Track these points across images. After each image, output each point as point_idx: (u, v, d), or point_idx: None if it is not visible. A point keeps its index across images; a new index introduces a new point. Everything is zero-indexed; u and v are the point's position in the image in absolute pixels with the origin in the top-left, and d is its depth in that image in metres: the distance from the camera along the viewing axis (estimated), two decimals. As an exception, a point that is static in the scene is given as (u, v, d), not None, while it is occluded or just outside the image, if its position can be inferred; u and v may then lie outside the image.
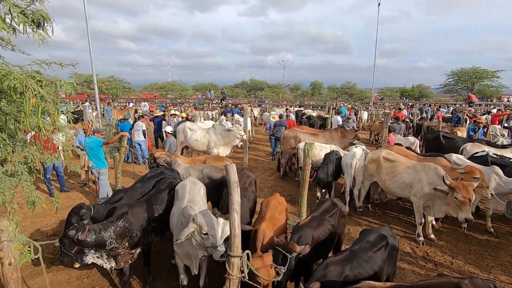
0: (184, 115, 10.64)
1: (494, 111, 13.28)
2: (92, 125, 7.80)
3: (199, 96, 37.06)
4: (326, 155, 6.24)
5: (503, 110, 15.65)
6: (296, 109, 17.74)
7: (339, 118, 11.61)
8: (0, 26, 2.15)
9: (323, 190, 6.18)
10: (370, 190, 6.10)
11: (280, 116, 11.01)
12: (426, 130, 10.98)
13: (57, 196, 3.00)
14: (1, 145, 2.37)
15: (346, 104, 21.42)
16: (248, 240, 3.28)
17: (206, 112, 16.71)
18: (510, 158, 5.75)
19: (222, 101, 23.12)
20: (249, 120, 12.70)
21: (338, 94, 40.90)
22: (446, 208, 4.46)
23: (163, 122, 10.37)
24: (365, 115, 17.92)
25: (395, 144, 7.15)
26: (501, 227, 5.33)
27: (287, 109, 14.77)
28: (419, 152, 7.84)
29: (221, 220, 2.84)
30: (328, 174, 5.80)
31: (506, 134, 9.76)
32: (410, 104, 25.99)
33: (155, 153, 5.31)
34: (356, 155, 5.86)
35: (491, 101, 27.64)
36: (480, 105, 21.31)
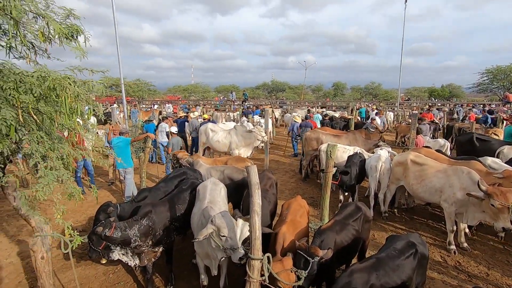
0: (206, 116, 10.79)
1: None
2: (116, 127, 8.11)
3: (221, 97, 37.53)
4: (349, 157, 6.07)
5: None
6: (318, 110, 17.47)
7: (378, 119, 11.33)
8: (41, 39, 2.31)
9: (346, 194, 6.00)
10: (396, 194, 5.85)
11: (306, 117, 10.90)
12: (458, 132, 10.40)
13: (94, 186, 3.14)
14: (39, 142, 2.52)
15: (371, 105, 20.79)
16: (268, 242, 3.24)
17: (227, 113, 16.87)
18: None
19: (244, 103, 23.26)
20: (270, 121, 12.67)
21: (362, 94, 39.83)
22: (481, 215, 4.17)
23: (186, 123, 10.58)
24: (390, 116, 17.28)
25: (424, 146, 6.81)
26: (544, 237, 4.91)
27: (309, 110, 14.57)
28: (449, 155, 7.43)
29: (240, 221, 2.82)
30: (352, 177, 5.61)
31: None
32: (439, 104, 24.75)
33: (177, 154, 5.41)
34: (382, 157, 5.64)
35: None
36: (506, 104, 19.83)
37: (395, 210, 5.91)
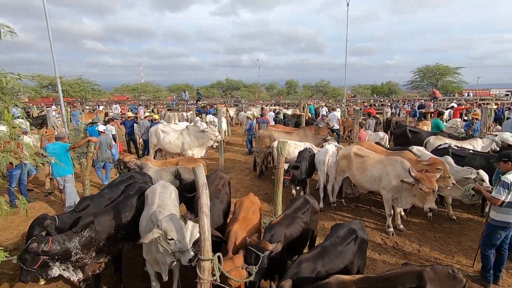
0: (157, 117, 10.35)
1: (455, 105, 14.15)
2: (49, 131, 7.35)
3: (174, 97, 36.27)
4: (300, 152, 6.34)
5: (464, 104, 16.71)
6: (272, 108, 17.89)
7: (336, 113, 11.94)
8: None
9: (298, 188, 6.27)
10: (343, 185, 6.27)
11: (261, 115, 11.10)
12: (395, 125, 11.50)
13: (22, 198, 2.68)
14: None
15: (320, 102, 21.89)
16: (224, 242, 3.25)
17: (181, 113, 16.39)
18: (469, 149, 6.16)
19: (198, 102, 22.80)
20: (224, 120, 12.62)
21: (313, 92, 41.71)
22: (413, 199, 4.68)
23: (135, 125, 10.03)
24: (338, 112, 18.41)
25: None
26: (462, 214, 5.69)
27: (262, 108, 14.83)
28: (388, 146, 8.20)
29: (190, 223, 2.78)
30: (303, 171, 5.88)
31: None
32: (381, 100, 27.07)
33: (124, 158, 5.12)
34: (329, 151, 6.00)
35: (453, 96, 29.45)
36: (443, 99, 22.60)
37: (343, 200, 6.34)
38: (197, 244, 2.66)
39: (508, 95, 30.07)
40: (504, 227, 3.40)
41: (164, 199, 3.32)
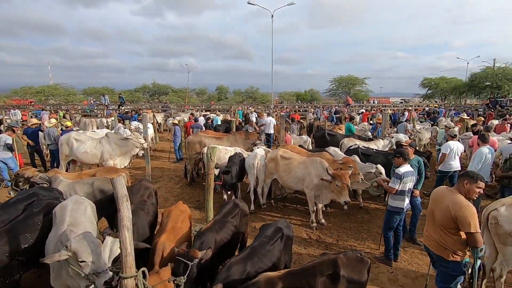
0: (69, 123, 9.12)
1: (364, 111, 16.37)
2: None
3: (92, 101, 32.55)
4: (230, 157, 6.42)
5: (370, 110, 19.43)
6: (202, 113, 17.66)
7: (272, 119, 12.25)
8: None
9: (229, 192, 6.33)
10: (272, 186, 6.59)
11: (195, 120, 10.83)
12: (316, 129, 12.66)
13: None
14: None
15: (250, 108, 22.58)
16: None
17: (100, 119, 14.81)
18: (374, 149, 7.19)
19: (120, 107, 20.95)
20: (151, 126, 11.92)
21: (243, 98, 42.77)
22: (331, 194, 5.21)
23: (40, 133, 8.66)
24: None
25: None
26: (371, 205, 6.58)
27: (192, 114, 14.52)
28: (311, 148, 8.96)
29: (109, 239, 2.54)
30: (233, 176, 5.97)
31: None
32: (305, 106, 29.40)
33: (24, 172, 4.36)
34: (258, 155, 6.23)
35: (363, 103, 34.01)
36: (355, 106, 25.89)
37: (272, 201, 6.65)
38: (118, 261, 2.44)
39: (402, 102, 36.22)
40: (398, 212, 4.07)
41: (77, 216, 2.94)
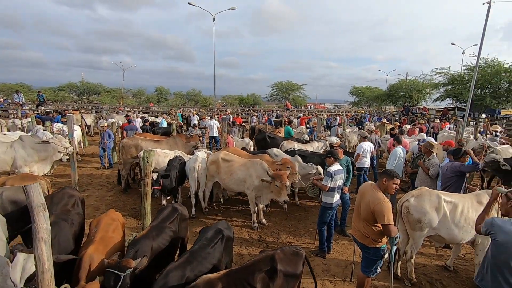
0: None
1: (301, 115, 17.43)
2: None
3: (1, 99, 27.80)
4: (169, 161, 6.16)
5: (307, 115, 20.75)
6: (140, 115, 16.59)
7: (216, 122, 11.89)
8: None
9: (169, 197, 6.07)
10: (214, 190, 6.54)
11: (129, 121, 10.08)
12: (258, 132, 13.01)
13: None
14: None
15: (192, 111, 22.04)
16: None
17: (12, 120, 12.75)
18: (310, 151, 7.71)
19: (40, 107, 18.34)
20: (78, 129, 10.75)
21: (184, 100, 41.56)
22: (271, 195, 5.40)
23: None
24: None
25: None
26: (308, 203, 7.02)
27: (127, 115, 13.53)
28: (253, 151, 9.16)
29: (20, 256, 2.20)
30: (173, 180, 5.74)
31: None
32: (247, 110, 29.93)
33: None
34: (199, 158, 6.12)
35: (301, 108, 36.15)
36: (293, 110, 27.36)
37: (214, 204, 6.60)
38: (33, 279, 2.14)
39: (335, 108, 39.61)
40: (330, 208, 4.44)
41: (-22, 233, 2.48)
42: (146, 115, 17.01)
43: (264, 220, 5.81)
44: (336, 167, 4.41)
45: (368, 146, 7.10)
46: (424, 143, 5.83)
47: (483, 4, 12.50)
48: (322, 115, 20.11)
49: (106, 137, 9.32)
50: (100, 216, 3.42)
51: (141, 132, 9.89)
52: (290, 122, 12.07)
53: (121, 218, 3.56)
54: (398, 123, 14.38)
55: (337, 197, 4.47)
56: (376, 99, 37.91)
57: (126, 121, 10.64)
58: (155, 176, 5.33)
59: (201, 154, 6.41)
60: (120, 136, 10.45)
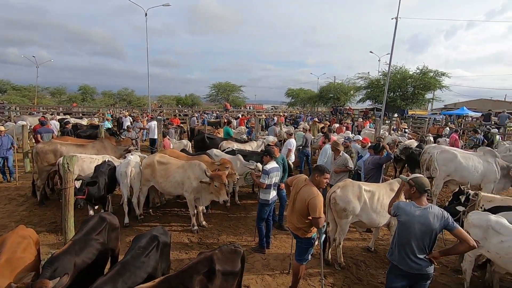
0: None
1: (240, 116, 17.66)
2: None
3: None
4: (96, 167, 5.60)
5: (246, 115, 21.13)
6: (59, 117, 14.67)
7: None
8: None
9: (97, 207, 5.51)
10: (150, 195, 6.17)
11: (42, 123, 8.74)
12: (197, 133, 12.74)
13: None
14: None
15: (123, 112, 20.38)
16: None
17: None
18: (248, 150, 7.88)
19: None
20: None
21: (115, 100, 38.22)
22: (211, 196, 5.35)
23: None
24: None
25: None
26: (248, 201, 7.15)
27: (44, 116, 11.83)
28: (192, 152, 8.93)
29: None
30: (101, 187, 5.23)
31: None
32: (185, 111, 28.98)
33: None
34: (131, 162, 5.70)
35: (240, 108, 36.60)
36: (233, 111, 27.56)
37: (150, 210, 6.23)
38: None
39: (272, 108, 41.20)
40: (267, 204, 4.61)
41: None
42: (68, 116, 15.13)
43: (204, 222, 5.72)
44: (272, 165, 4.59)
45: (295, 142, 7.80)
46: (332, 143, 6.30)
47: (392, 19, 14.50)
48: (261, 115, 20.72)
49: (6, 144, 7.77)
50: (6, 234, 2.91)
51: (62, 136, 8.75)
52: (229, 122, 12.12)
53: (34, 234, 3.10)
54: (328, 122, 15.70)
55: (273, 193, 4.66)
56: (309, 100, 40.71)
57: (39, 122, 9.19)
58: (78, 184, 4.79)
59: (134, 157, 5.98)
60: (34, 141, 9.03)
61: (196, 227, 5.44)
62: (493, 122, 16.50)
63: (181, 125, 14.94)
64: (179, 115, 24.27)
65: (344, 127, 13.76)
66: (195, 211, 5.51)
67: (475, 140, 10.37)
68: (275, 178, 4.60)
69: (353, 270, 4.43)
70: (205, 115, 18.97)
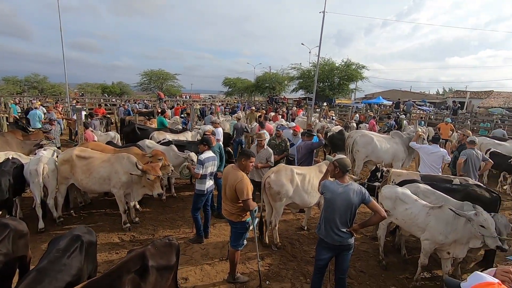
0: None
1: (175, 105, 16.85)
2: None
3: None
4: (-4, 166, 4.69)
5: (181, 105, 20.29)
6: None
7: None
8: None
9: (0, 212, 4.66)
10: (70, 194, 5.49)
11: None
12: (127, 124, 11.72)
13: None
14: None
15: (34, 101, 17.46)
16: None
17: None
18: (185, 140, 7.59)
19: None
20: None
21: (22, 88, 32.55)
22: (143, 189, 5.00)
23: None
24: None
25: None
26: (185, 193, 6.94)
27: None
28: (121, 145, 8.19)
29: None
30: (4, 189, 4.42)
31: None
32: (113, 100, 26.38)
33: None
34: (43, 159, 4.93)
35: (176, 98, 34.95)
36: (168, 100, 26.16)
37: (72, 211, 5.55)
38: None
39: (210, 98, 40.41)
40: (203, 194, 4.53)
41: None
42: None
43: (137, 219, 5.36)
44: (207, 154, 4.50)
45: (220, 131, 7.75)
46: (256, 135, 6.36)
47: (319, 12, 15.45)
48: (196, 105, 20.15)
49: None
50: None
51: None
52: (163, 112, 11.45)
53: None
54: (264, 111, 16.13)
55: (209, 183, 4.59)
56: (246, 89, 41.11)
57: None
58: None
59: (47, 153, 5.20)
60: None
61: (128, 225, 5.06)
62: (401, 110, 19.22)
63: (108, 115, 13.57)
64: (105, 104, 21.95)
65: (280, 116, 14.34)
66: (126, 207, 5.10)
67: (388, 125, 11.95)
68: (211, 167, 4.53)
69: (288, 249, 4.71)
70: (129, 104, 17.45)
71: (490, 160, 5.78)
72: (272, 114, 15.66)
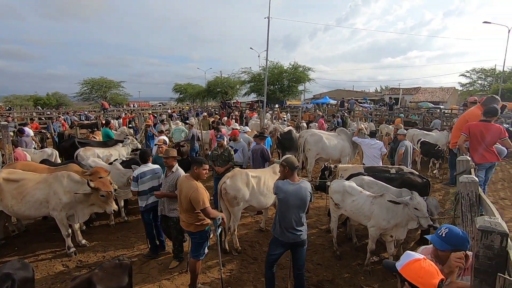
0: None
1: (123, 115, 15.86)
2: None
3: None
4: None
5: (129, 114, 19.18)
6: None
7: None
8: None
9: None
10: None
11: None
12: (68, 138, 10.67)
13: None
14: None
15: None
16: None
17: None
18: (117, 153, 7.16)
19: None
20: None
21: None
22: (91, 208, 4.63)
23: None
24: None
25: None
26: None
27: None
28: (60, 162, 7.41)
29: None
30: None
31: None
32: (48, 113, 23.81)
33: None
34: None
35: (123, 107, 32.84)
36: (113, 110, 24.48)
37: (3, 241, 4.88)
38: None
39: (160, 105, 38.81)
40: (143, 211, 4.34)
41: None
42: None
43: (84, 241, 4.91)
44: (142, 169, 4.26)
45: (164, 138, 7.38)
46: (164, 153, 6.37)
47: (264, 18, 15.89)
48: (145, 113, 19.22)
49: None
50: None
51: None
52: (107, 123, 10.66)
53: None
54: (218, 116, 16.03)
55: (150, 199, 4.30)
56: (198, 95, 40.38)
57: None
58: None
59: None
60: None
61: (73, 249, 4.60)
62: (346, 108, 20.67)
63: (43, 130, 12.23)
64: (39, 118, 19.71)
65: (233, 120, 14.38)
66: (69, 231, 4.64)
67: (334, 123, 12.75)
68: (149, 182, 4.28)
69: (248, 252, 4.74)
70: (67, 117, 16.00)
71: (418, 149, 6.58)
72: (226, 118, 15.66)
